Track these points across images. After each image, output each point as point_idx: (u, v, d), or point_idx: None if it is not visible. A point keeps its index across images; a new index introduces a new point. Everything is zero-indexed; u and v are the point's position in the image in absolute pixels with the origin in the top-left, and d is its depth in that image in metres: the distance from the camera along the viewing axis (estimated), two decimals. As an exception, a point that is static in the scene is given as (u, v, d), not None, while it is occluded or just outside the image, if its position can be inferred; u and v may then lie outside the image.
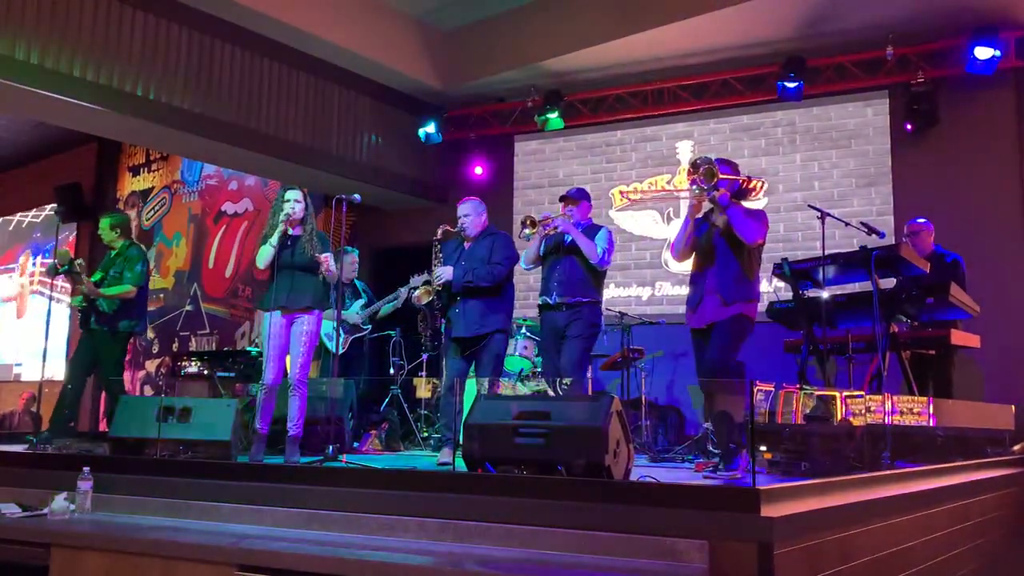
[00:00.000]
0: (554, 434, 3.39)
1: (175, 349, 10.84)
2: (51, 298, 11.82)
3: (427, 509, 3.25)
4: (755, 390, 3.48)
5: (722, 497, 2.89)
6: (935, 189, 7.42)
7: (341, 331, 6.54)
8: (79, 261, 5.84)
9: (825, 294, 5.04)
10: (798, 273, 5.18)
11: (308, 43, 7.99)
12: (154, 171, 11.95)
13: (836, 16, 7.28)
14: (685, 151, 8.57)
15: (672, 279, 8.44)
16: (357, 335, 6.57)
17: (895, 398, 4.61)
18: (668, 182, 8.64)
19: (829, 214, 5.17)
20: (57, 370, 9.77)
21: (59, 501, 3.79)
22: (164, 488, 3.88)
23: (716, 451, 4.94)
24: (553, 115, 8.56)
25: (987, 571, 4.50)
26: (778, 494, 2.92)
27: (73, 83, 6.76)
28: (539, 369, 6.52)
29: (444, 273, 5.17)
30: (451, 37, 8.89)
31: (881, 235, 5.33)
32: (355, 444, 6.04)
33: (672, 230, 8.49)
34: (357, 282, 6.81)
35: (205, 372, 7.47)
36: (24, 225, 13.46)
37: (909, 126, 7.52)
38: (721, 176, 4.42)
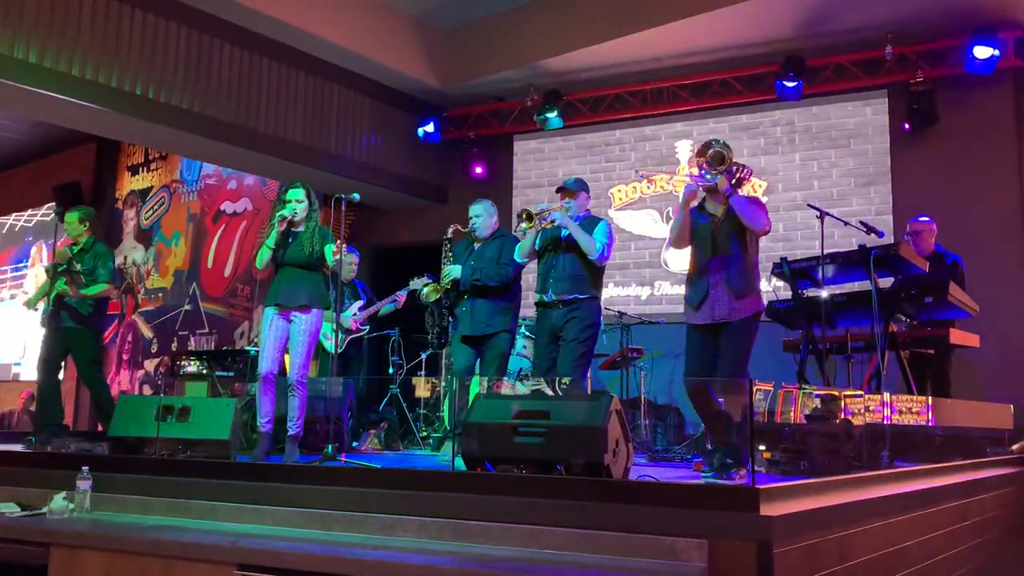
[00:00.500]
0: (553, 433, 3.39)
1: (174, 348, 10.83)
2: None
3: (427, 508, 3.25)
4: (754, 389, 3.48)
5: (721, 496, 2.89)
6: (934, 188, 7.42)
7: (340, 331, 6.56)
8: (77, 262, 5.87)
9: (824, 293, 5.04)
10: (797, 272, 5.19)
11: (307, 42, 7.99)
12: (153, 170, 11.94)
13: (835, 16, 7.28)
14: (684, 150, 8.57)
15: (671, 278, 8.44)
16: (355, 336, 6.57)
17: (894, 397, 4.62)
18: (667, 181, 8.64)
19: (828, 213, 5.18)
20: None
21: (58, 500, 3.79)
22: (163, 487, 3.87)
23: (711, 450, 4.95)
24: (552, 114, 8.56)
25: (986, 570, 4.50)
26: (777, 493, 2.92)
27: (72, 82, 6.75)
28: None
29: (452, 271, 5.29)
30: (450, 36, 8.89)
31: (880, 234, 5.34)
32: (354, 443, 6.04)
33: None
34: (357, 282, 6.82)
35: (204, 371, 7.46)
36: (17, 229, 13.46)
37: (907, 125, 7.52)
38: (733, 161, 4.16)
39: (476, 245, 5.47)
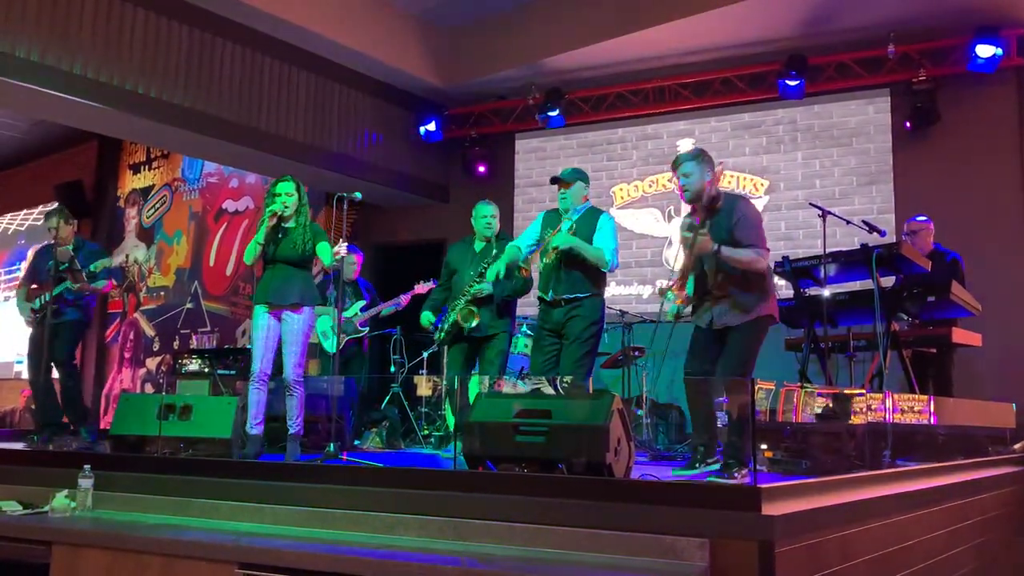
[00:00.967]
0: (555, 432, 3.39)
1: (176, 347, 10.84)
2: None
3: (428, 507, 3.25)
4: (756, 388, 3.48)
5: (723, 495, 2.89)
6: (936, 187, 7.41)
7: (336, 329, 6.56)
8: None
9: (826, 292, 5.04)
10: (799, 271, 5.18)
11: (309, 40, 7.99)
12: (155, 169, 11.94)
13: (838, 14, 7.27)
14: (686, 149, 8.54)
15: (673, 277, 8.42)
16: (355, 335, 6.57)
17: (896, 396, 4.61)
18: (669, 180, 8.63)
19: (830, 212, 5.17)
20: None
21: (60, 499, 3.79)
22: (165, 486, 3.87)
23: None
24: (554, 113, 8.55)
25: (988, 570, 4.50)
26: (779, 492, 2.92)
27: (74, 80, 6.75)
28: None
29: (486, 289, 5.23)
30: (452, 35, 8.89)
31: (882, 233, 5.33)
32: (356, 442, 6.04)
33: (673, 228, 8.49)
34: (360, 281, 6.81)
35: (206, 370, 7.46)
36: (10, 232, 13.46)
37: (908, 124, 7.51)
38: (707, 193, 4.14)
39: (478, 248, 5.45)
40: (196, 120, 7.56)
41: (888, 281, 5.18)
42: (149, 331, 11.47)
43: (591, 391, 4.94)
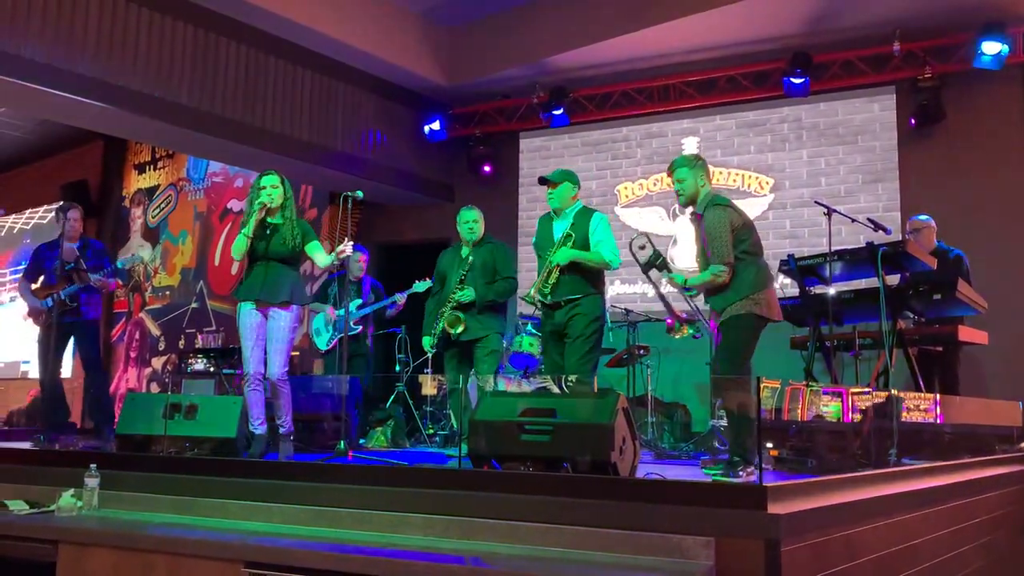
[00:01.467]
0: (560, 431, 3.39)
1: (181, 346, 10.86)
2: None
3: (433, 506, 3.25)
4: (762, 387, 3.47)
5: (729, 494, 2.89)
6: (942, 185, 7.39)
7: (331, 328, 6.60)
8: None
9: (832, 290, 5.02)
10: (804, 269, 5.17)
11: (313, 40, 7.99)
12: (160, 169, 11.97)
13: (842, 11, 7.25)
14: (691, 148, 8.55)
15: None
16: (348, 333, 6.57)
17: (902, 394, 4.60)
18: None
19: (835, 210, 5.16)
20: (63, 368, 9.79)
21: (66, 498, 3.80)
22: (171, 485, 3.88)
23: (722, 448, 4.94)
24: (558, 111, 8.54)
25: (994, 568, 4.48)
26: (785, 491, 2.91)
27: (78, 81, 6.76)
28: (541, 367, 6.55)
29: (467, 295, 5.31)
30: (456, 33, 8.88)
31: (888, 231, 5.32)
32: (361, 441, 6.05)
33: (677, 226, 8.48)
34: (366, 279, 6.83)
35: (211, 369, 7.49)
36: (16, 231, 13.50)
37: (912, 121, 7.49)
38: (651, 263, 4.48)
39: (464, 252, 5.49)
40: (201, 120, 7.57)
41: (894, 279, 5.16)
42: (154, 331, 11.50)
43: (596, 388, 4.96)
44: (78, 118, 7.79)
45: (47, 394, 5.96)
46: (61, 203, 6.67)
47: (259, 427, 4.64)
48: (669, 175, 4.38)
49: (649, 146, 8.77)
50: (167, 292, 11.47)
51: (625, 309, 7.21)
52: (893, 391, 4.52)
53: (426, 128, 9.19)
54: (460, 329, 5.29)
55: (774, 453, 4.00)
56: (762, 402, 3.51)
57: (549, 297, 4.83)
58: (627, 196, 8.81)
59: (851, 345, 5.16)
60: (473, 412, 3.71)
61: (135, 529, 3.51)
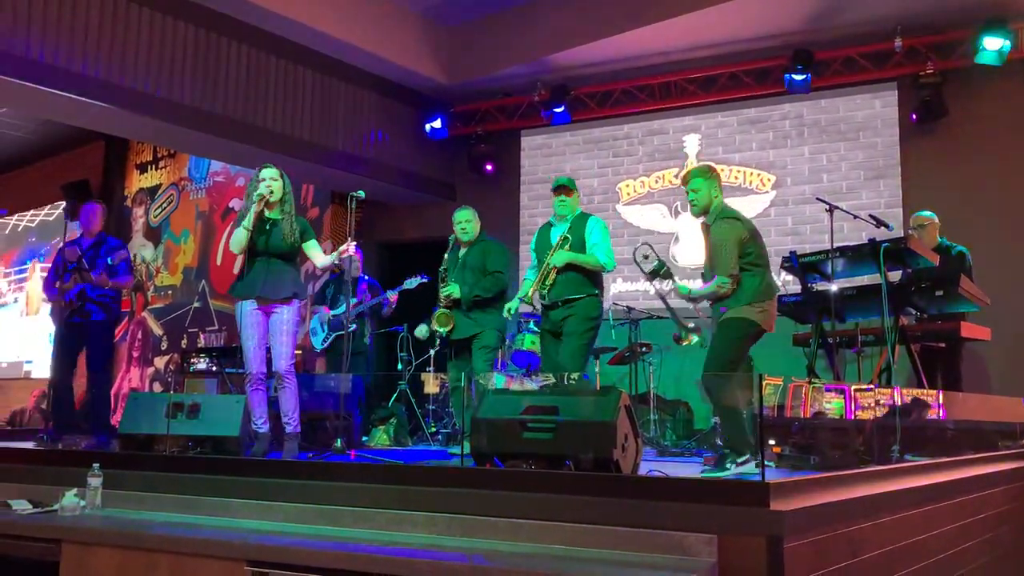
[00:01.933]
0: (562, 429, 3.39)
1: (184, 345, 10.87)
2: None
3: (436, 504, 3.25)
4: (764, 384, 3.47)
5: (731, 491, 2.89)
6: (944, 181, 7.38)
7: (327, 327, 6.61)
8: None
9: (834, 287, 5.02)
10: (806, 266, 5.17)
11: (314, 39, 7.99)
12: (161, 168, 11.98)
13: (844, 8, 7.24)
14: (693, 144, 8.54)
15: (680, 273, 8.41)
16: (342, 332, 6.60)
17: (905, 391, 4.60)
18: (676, 176, 8.62)
19: (837, 207, 5.15)
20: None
21: (69, 497, 3.81)
22: (174, 484, 3.89)
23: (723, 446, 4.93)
24: (560, 109, 8.54)
25: (998, 564, 4.48)
26: (787, 488, 2.91)
27: (80, 81, 6.77)
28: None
29: (453, 291, 5.36)
30: (457, 32, 8.88)
31: (890, 228, 5.31)
32: (363, 439, 6.05)
33: (679, 224, 8.48)
34: (362, 278, 6.84)
35: (214, 368, 7.48)
36: (19, 229, 13.52)
37: (914, 117, 7.48)
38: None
39: (461, 252, 5.55)
40: (202, 119, 7.57)
41: (896, 276, 5.16)
42: (157, 330, 11.51)
43: (598, 387, 4.98)
44: (79, 118, 7.79)
45: (56, 394, 5.95)
46: (71, 202, 6.65)
47: (262, 426, 4.62)
48: (684, 184, 4.48)
49: (651, 143, 8.76)
50: (169, 291, 11.48)
51: (627, 307, 7.21)
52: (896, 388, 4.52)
53: (427, 127, 9.19)
54: (449, 327, 5.34)
55: (777, 450, 4.00)
56: (764, 399, 3.50)
57: (547, 298, 4.96)
58: (629, 194, 8.80)
59: (853, 342, 5.15)
60: (475, 410, 3.71)
61: (138, 528, 3.51)
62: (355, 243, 4.79)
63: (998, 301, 5.59)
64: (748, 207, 7.88)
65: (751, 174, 8.27)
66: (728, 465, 3.81)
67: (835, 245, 4.99)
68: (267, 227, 4.62)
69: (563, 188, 5.15)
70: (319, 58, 8.33)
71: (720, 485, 3.08)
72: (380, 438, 6.14)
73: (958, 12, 7.09)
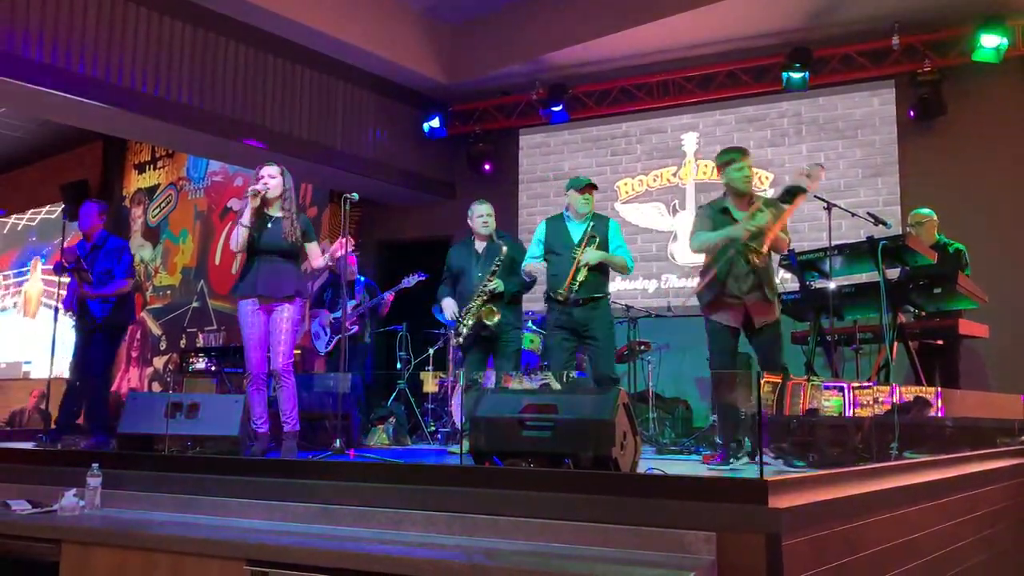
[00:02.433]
0: (561, 427, 3.39)
1: (183, 345, 10.87)
2: (58, 296, 11.88)
3: (435, 502, 3.26)
4: (762, 382, 3.48)
5: (730, 489, 2.89)
6: (942, 179, 7.39)
7: (328, 330, 6.62)
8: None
9: (832, 285, 5.03)
10: (805, 264, 5.17)
11: (312, 39, 7.99)
12: (160, 168, 11.97)
13: (842, 6, 7.24)
14: (691, 143, 8.55)
15: (678, 271, 8.43)
16: (346, 333, 6.61)
17: (903, 388, 4.60)
18: (674, 174, 8.62)
19: (835, 205, 5.16)
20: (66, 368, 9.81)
21: (69, 497, 3.81)
22: (173, 484, 3.89)
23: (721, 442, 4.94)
24: (558, 108, 8.54)
25: (996, 562, 4.49)
26: (786, 485, 2.91)
27: (78, 80, 6.77)
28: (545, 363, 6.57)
29: (499, 286, 5.32)
30: (455, 31, 8.88)
31: (888, 225, 5.31)
32: (363, 439, 6.06)
33: (677, 222, 8.48)
34: (360, 278, 6.85)
35: (213, 368, 7.49)
36: (19, 228, 13.51)
37: (912, 114, 7.49)
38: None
39: (479, 247, 5.49)
40: (201, 119, 7.57)
41: (894, 273, 5.16)
42: (156, 330, 11.51)
43: (587, 380, 5.01)
44: (77, 118, 7.80)
45: (65, 396, 5.91)
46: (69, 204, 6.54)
47: (261, 426, 4.62)
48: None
49: (649, 142, 8.77)
50: (168, 291, 11.48)
51: (626, 305, 7.22)
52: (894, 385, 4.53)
53: (426, 126, 9.20)
54: (496, 320, 5.29)
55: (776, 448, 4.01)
56: (763, 397, 3.51)
57: (576, 294, 4.98)
58: (627, 192, 8.80)
59: (852, 339, 5.16)
60: (474, 409, 3.71)
61: (138, 528, 3.51)
62: (350, 243, 4.77)
63: (996, 298, 5.59)
64: (746, 205, 7.87)
65: (749, 172, 8.27)
66: (729, 460, 3.84)
67: (833, 243, 4.99)
68: (268, 225, 4.60)
69: (592, 187, 5.20)
70: (317, 57, 8.33)
71: (719, 483, 3.08)
72: (379, 437, 6.14)
73: (955, 9, 7.09)
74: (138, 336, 11.68)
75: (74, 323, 5.89)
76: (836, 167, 7.91)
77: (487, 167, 9.29)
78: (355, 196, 5.22)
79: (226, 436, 4.51)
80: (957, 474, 4.20)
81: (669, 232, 8.52)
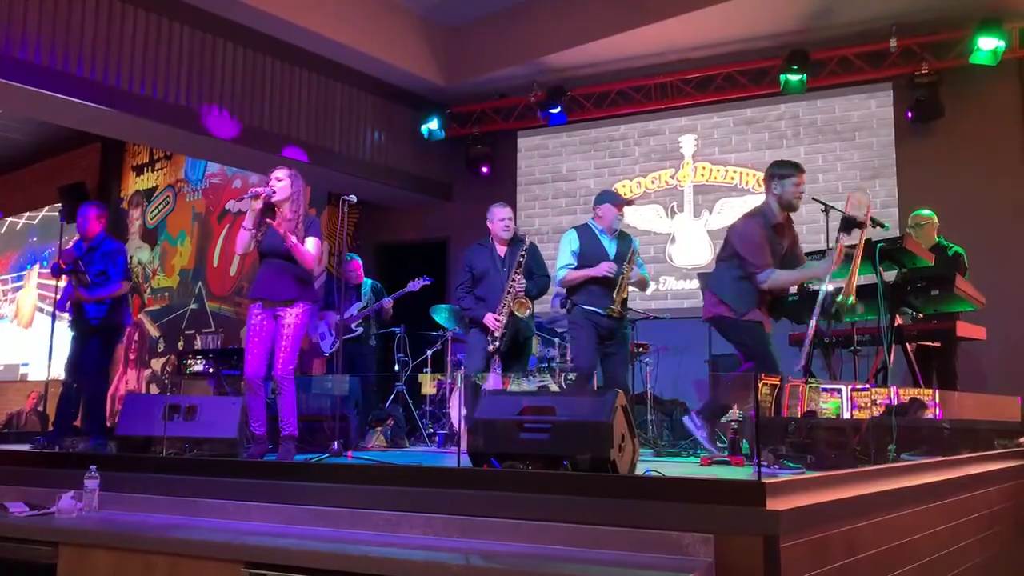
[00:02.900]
0: (559, 429, 3.39)
1: (180, 347, 10.86)
2: (54, 299, 11.87)
3: (433, 505, 3.25)
4: (760, 384, 3.48)
5: (728, 491, 2.88)
6: (940, 181, 7.40)
7: (331, 332, 6.62)
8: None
9: (830, 287, 5.02)
10: (803, 266, 5.16)
11: (311, 40, 7.99)
12: (158, 170, 11.97)
13: (839, 8, 7.26)
14: (689, 145, 8.55)
15: (676, 273, 8.43)
16: (348, 335, 6.62)
17: (901, 390, 4.60)
18: (672, 176, 8.63)
19: (833, 207, 5.17)
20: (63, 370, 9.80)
21: (66, 499, 3.80)
22: (171, 486, 3.88)
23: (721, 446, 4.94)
24: (556, 110, 8.54)
25: (994, 563, 4.49)
26: (784, 487, 2.91)
27: (76, 82, 6.76)
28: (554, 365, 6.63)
29: (527, 287, 5.34)
30: (454, 33, 8.89)
31: (885, 228, 5.31)
32: (360, 441, 6.06)
33: (676, 224, 8.49)
34: (368, 281, 6.89)
35: (210, 370, 7.48)
36: (18, 228, 13.49)
37: (909, 115, 7.50)
38: None
39: (499, 250, 5.45)
40: (198, 121, 7.57)
41: (892, 275, 5.16)
42: (154, 332, 11.50)
43: (595, 386, 5.00)
44: (75, 120, 7.79)
45: (62, 398, 5.89)
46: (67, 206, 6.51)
47: (259, 429, 4.61)
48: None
49: (647, 144, 8.77)
50: (166, 293, 11.46)
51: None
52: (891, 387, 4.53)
53: (424, 128, 9.20)
54: (528, 312, 5.35)
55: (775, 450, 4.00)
56: (761, 399, 3.51)
57: (619, 310, 5.16)
58: (625, 194, 8.79)
59: (850, 341, 5.16)
60: (472, 410, 3.71)
61: (135, 530, 3.51)
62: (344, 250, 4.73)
63: (994, 301, 5.60)
64: (743, 207, 7.87)
65: (747, 174, 8.29)
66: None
67: (831, 245, 4.98)
68: (273, 228, 4.57)
69: (628, 203, 5.47)
70: (315, 59, 8.33)
71: (717, 485, 3.08)
72: (377, 439, 6.14)
73: (953, 12, 7.11)
74: (136, 338, 11.67)
75: (69, 325, 5.89)
76: (834, 169, 7.92)
77: (485, 169, 9.29)
78: (353, 198, 5.23)
79: (224, 438, 4.50)
80: (955, 476, 4.20)
81: (667, 234, 8.52)
